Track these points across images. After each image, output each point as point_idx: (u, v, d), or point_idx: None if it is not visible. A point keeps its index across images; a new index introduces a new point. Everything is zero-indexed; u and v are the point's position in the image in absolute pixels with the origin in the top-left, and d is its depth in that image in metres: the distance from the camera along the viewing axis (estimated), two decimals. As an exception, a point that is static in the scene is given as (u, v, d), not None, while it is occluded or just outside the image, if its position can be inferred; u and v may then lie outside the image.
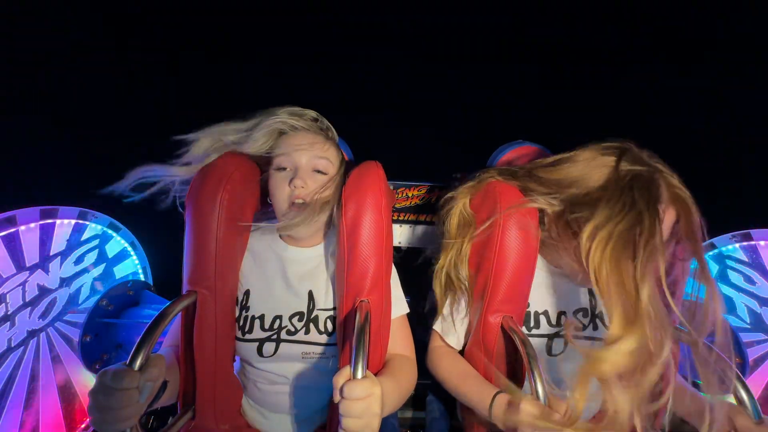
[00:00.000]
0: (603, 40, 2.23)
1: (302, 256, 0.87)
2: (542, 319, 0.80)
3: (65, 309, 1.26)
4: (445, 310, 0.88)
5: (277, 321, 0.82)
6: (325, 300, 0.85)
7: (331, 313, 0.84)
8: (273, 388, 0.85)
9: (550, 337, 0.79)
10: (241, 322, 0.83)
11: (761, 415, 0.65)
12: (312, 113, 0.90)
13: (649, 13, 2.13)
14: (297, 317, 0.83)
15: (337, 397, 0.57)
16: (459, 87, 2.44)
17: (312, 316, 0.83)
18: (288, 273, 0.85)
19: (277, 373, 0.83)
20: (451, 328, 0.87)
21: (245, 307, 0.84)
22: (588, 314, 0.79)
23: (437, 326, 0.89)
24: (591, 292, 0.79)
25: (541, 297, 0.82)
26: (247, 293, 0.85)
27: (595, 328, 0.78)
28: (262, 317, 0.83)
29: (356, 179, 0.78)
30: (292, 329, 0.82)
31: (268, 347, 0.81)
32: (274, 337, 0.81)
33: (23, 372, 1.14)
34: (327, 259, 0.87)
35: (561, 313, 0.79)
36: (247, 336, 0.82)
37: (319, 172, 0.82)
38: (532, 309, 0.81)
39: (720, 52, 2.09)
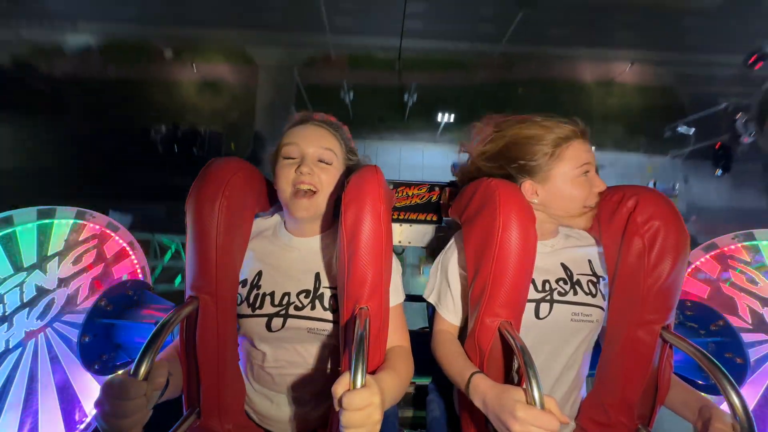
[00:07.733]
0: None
1: (307, 246, 0.92)
2: (530, 286, 0.86)
3: (64, 309, 1.26)
4: (435, 291, 0.94)
5: (286, 297, 0.86)
6: (329, 279, 0.89)
7: (335, 291, 0.87)
8: (280, 370, 0.88)
9: (537, 302, 0.85)
10: (251, 300, 0.87)
11: (754, 428, 0.61)
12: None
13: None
14: (304, 294, 0.87)
15: (337, 406, 0.56)
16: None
17: (318, 294, 0.87)
18: (295, 258, 0.91)
19: (285, 349, 0.86)
20: (448, 304, 0.92)
21: (256, 286, 0.88)
22: (568, 282, 0.88)
23: (433, 299, 0.94)
24: (564, 266, 0.89)
25: None
26: (259, 273, 0.89)
27: (575, 293, 0.86)
28: (272, 294, 0.87)
29: (355, 185, 0.78)
30: (300, 305, 0.86)
31: (276, 322, 0.85)
32: (282, 312, 0.85)
33: (22, 373, 1.14)
34: (329, 245, 0.92)
35: (545, 281, 0.87)
36: (257, 311, 0.86)
37: (323, 162, 0.87)
38: None
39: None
